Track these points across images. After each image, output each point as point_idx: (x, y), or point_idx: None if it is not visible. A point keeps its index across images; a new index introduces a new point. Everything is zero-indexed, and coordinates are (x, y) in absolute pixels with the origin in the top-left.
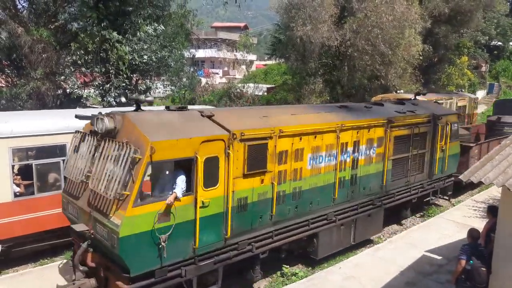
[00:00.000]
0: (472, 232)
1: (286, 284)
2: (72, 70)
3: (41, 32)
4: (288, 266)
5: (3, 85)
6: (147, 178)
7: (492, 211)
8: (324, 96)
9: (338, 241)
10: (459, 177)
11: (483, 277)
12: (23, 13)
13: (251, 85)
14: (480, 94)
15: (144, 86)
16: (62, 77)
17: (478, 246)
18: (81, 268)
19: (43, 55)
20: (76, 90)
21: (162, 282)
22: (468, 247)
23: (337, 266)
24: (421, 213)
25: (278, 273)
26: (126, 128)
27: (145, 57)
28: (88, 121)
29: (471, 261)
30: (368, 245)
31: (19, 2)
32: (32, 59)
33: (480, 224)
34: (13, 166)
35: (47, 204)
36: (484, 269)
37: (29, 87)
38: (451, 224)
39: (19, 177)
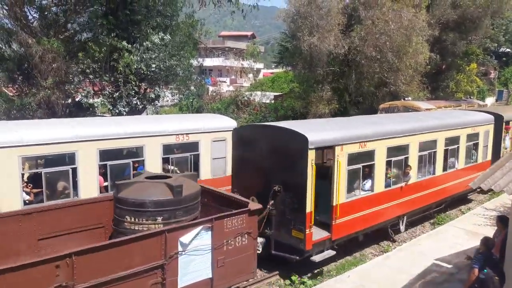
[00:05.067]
0: (486, 241)
1: None
2: (81, 79)
3: (51, 43)
4: (296, 275)
5: (14, 95)
6: None
7: (503, 221)
8: (333, 104)
9: None
10: (469, 184)
11: (498, 286)
12: (33, 24)
13: (258, 93)
14: (489, 101)
15: (153, 95)
16: (72, 86)
17: (491, 255)
18: None
19: (53, 65)
20: (84, 99)
21: None
22: (481, 256)
23: (345, 275)
24: (431, 221)
25: (287, 281)
26: None
27: (153, 66)
28: None
29: (485, 270)
30: (377, 254)
31: (30, 13)
32: (42, 68)
33: (490, 232)
34: (22, 175)
35: None
36: (497, 278)
37: (39, 96)
38: (461, 232)
39: (30, 185)
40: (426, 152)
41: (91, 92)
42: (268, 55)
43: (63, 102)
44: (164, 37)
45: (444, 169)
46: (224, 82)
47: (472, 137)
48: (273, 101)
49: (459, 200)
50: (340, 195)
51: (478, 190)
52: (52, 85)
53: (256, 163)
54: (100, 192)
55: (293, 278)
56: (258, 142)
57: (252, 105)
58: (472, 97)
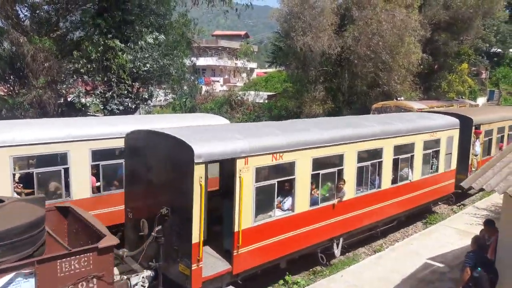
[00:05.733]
0: (477, 239)
1: None
2: (74, 78)
3: (43, 42)
4: (290, 275)
5: (5, 94)
6: None
7: (490, 224)
8: (327, 104)
9: None
10: (461, 184)
11: (491, 283)
12: (25, 22)
13: (252, 92)
14: (481, 101)
15: (146, 95)
16: (64, 86)
17: (483, 253)
18: None
19: (45, 64)
20: (76, 99)
21: None
22: (473, 254)
23: (339, 274)
24: (423, 221)
25: (281, 281)
26: None
27: (147, 65)
28: None
29: (478, 268)
30: (370, 253)
31: (21, 12)
32: (34, 68)
33: None
34: (14, 175)
35: None
36: (492, 275)
37: (31, 96)
38: (453, 232)
39: (21, 185)
40: (368, 163)
41: (82, 91)
42: (262, 54)
43: (55, 102)
44: (158, 36)
45: (394, 181)
46: (218, 81)
47: (431, 144)
48: (266, 101)
49: (417, 216)
50: (243, 218)
51: (440, 203)
52: (44, 85)
53: (146, 178)
54: (93, 192)
55: (287, 278)
56: (146, 152)
57: (246, 105)
58: (463, 97)
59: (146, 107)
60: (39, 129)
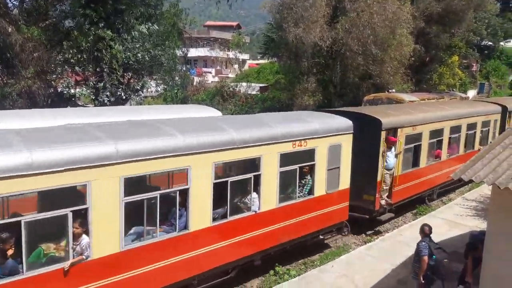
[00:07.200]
0: (424, 227)
1: (279, 283)
2: (64, 68)
3: (32, 31)
4: (280, 265)
5: None
6: None
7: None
8: (317, 95)
9: None
10: (450, 175)
11: (448, 268)
12: (13, 11)
13: (244, 84)
14: (471, 93)
15: (137, 85)
16: (54, 76)
17: (431, 239)
18: None
19: (34, 54)
20: (66, 90)
21: None
22: (425, 243)
23: (329, 264)
24: (413, 212)
25: (271, 271)
26: None
27: (139, 55)
28: None
29: (433, 256)
30: (360, 244)
31: (9, 0)
32: (23, 58)
33: (471, 223)
34: None
35: None
36: (446, 260)
37: (20, 86)
38: (442, 222)
39: None
40: (155, 194)
41: (72, 82)
42: (254, 45)
43: (44, 92)
44: (151, 26)
45: (222, 216)
46: (209, 72)
47: (297, 156)
48: (258, 93)
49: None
50: None
51: (326, 236)
52: (33, 75)
53: None
54: None
55: (277, 268)
56: None
57: (238, 96)
58: (454, 89)
59: (137, 98)
60: (30, 120)
